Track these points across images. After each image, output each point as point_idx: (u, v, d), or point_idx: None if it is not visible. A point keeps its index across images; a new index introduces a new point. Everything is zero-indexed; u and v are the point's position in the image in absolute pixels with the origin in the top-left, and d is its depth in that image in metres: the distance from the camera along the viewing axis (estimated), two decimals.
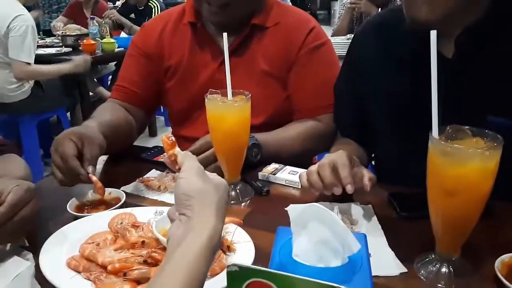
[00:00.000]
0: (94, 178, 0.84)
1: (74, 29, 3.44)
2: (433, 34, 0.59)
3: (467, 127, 0.62)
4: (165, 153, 1.08)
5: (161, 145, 1.21)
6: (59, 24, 3.87)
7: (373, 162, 1.18)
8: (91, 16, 3.67)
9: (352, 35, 1.19)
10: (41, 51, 3.00)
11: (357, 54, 1.05)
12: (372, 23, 1.06)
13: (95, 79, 3.60)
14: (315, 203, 0.58)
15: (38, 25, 3.44)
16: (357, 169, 0.83)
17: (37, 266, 0.64)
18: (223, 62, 1.10)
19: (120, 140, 1.08)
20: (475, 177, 0.58)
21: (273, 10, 1.18)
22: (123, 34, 3.90)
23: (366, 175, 0.81)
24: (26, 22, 2.49)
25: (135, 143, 1.26)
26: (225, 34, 0.86)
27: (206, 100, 0.86)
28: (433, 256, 0.66)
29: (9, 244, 0.70)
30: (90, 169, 0.84)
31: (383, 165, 1.12)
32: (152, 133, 3.92)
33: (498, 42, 0.83)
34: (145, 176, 0.99)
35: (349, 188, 0.78)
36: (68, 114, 3.01)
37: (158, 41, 1.21)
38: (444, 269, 0.64)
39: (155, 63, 1.21)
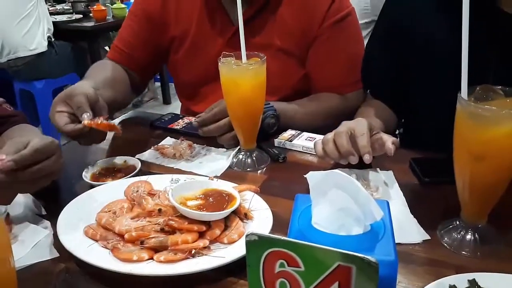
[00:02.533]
0: (89, 122, 0.78)
1: None
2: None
3: (500, 87, 0.58)
4: (180, 120, 1.09)
5: (176, 112, 1.20)
6: None
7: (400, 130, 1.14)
8: None
9: None
10: (52, 18, 2.96)
11: (396, 10, 0.97)
12: None
13: (106, 47, 3.56)
14: (335, 170, 0.55)
15: None
16: (378, 136, 0.80)
17: (55, 235, 0.64)
18: (234, 34, 1.05)
19: (115, 97, 1.01)
20: (505, 141, 0.55)
21: None
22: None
23: (389, 140, 0.78)
24: None
25: (149, 111, 1.24)
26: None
27: (219, 63, 0.83)
28: (457, 222, 0.64)
29: (28, 204, 0.70)
30: (84, 116, 0.78)
31: (412, 129, 1.08)
32: (166, 100, 3.90)
33: None
34: (160, 144, 0.98)
35: (367, 158, 0.74)
36: None
37: (163, 4, 1.11)
38: (469, 236, 0.62)
39: (158, 29, 1.12)
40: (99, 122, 0.79)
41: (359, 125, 0.78)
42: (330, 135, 0.80)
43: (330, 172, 0.54)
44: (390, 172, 0.82)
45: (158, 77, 3.81)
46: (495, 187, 0.59)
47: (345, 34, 1.07)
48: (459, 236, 0.62)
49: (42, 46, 2.65)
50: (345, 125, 0.80)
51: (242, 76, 0.83)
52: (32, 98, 2.77)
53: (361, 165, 0.80)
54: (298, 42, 1.06)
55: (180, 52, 1.14)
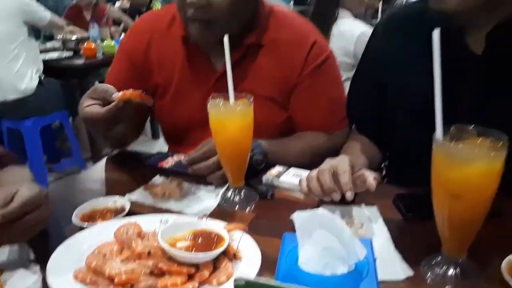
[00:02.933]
0: (121, 95, 0.88)
1: (75, 30, 3.47)
2: (436, 33, 0.59)
3: (472, 126, 0.62)
4: (169, 158, 1.11)
5: (164, 147, 1.22)
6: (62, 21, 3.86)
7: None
8: (91, 19, 3.67)
9: None
10: (42, 55, 3.01)
11: (379, 46, 1.02)
12: (394, 16, 1.03)
13: (97, 83, 3.61)
14: (320, 209, 0.58)
15: (38, 31, 3.44)
16: (360, 172, 0.83)
17: (44, 279, 0.64)
18: (217, 81, 1.08)
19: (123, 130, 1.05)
20: (480, 179, 0.58)
21: (268, 23, 1.09)
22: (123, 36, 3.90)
23: (370, 176, 0.81)
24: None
25: (138, 149, 1.26)
26: (226, 37, 0.84)
27: (208, 105, 0.86)
28: (440, 258, 0.66)
29: (16, 249, 0.70)
30: (115, 94, 0.89)
31: (396, 163, 1.11)
32: (155, 135, 3.92)
33: None
34: (149, 183, 0.99)
35: (349, 195, 0.77)
36: (71, 120, 3.02)
37: (146, 51, 1.13)
38: (450, 272, 0.64)
39: (141, 75, 1.14)
40: (130, 92, 0.88)
41: (341, 163, 0.81)
42: (314, 173, 0.82)
43: (314, 212, 0.56)
44: (375, 208, 0.84)
45: None
46: (472, 223, 0.62)
47: (325, 78, 1.10)
48: (441, 272, 0.64)
49: (32, 87, 2.67)
50: (328, 163, 0.83)
51: (230, 116, 0.86)
52: (20, 135, 2.78)
53: (345, 201, 0.82)
54: (280, 89, 1.08)
55: (164, 99, 1.16)
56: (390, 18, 1.04)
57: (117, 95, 0.88)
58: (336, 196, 0.78)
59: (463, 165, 0.57)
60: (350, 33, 2.03)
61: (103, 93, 0.89)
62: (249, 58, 1.08)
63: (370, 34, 1.07)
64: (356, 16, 2.45)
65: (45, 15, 2.89)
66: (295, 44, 1.08)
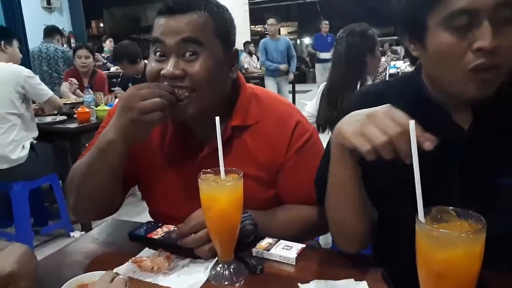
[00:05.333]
0: None
1: (74, 82, 3.60)
2: (412, 123, 0.63)
3: (451, 207, 0.64)
4: (158, 229, 1.11)
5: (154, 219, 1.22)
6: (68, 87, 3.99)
7: None
8: (87, 85, 3.78)
9: None
10: (37, 120, 3.05)
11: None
12: (367, 93, 1.05)
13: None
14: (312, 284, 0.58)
15: None
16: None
17: None
18: (202, 160, 1.08)
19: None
20: (462, 261, 0.60)
21: (251, 106, 1.11)
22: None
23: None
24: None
25: (127, 210, 1.25)
26: (217, 118, 0.87)
27: (199, 180, 0.88)
28: None
29: None
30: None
31: (384, 239, 1.11)
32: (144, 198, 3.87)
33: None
34: (137, 256, 0.98)
35: (428, 144, 0.68)
36: (60, 181, 3.01)
37: None
38: None
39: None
40: None
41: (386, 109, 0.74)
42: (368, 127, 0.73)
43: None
44: (364, 283, 0.85)
45: None
46: None
47: (309, 155, 1.11)
48: None
49: (24, 155, 2.68)
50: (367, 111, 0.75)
51: (221, 192, 0.88)
52: (7, 197, 2.74)
53: (337, 274, 0.82)
54: (266, 169, 1.10)
55: (147, 183, 1.19)
56: (362, 95, 1.06)
57: None
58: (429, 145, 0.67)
59: (445, 248, 0.59)
60: None
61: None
62: (236, 140, 1.10)
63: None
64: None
65: (44, 93, 2.90)
66: (279, 126, 1.10)
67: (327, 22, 9.07)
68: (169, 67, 0.98)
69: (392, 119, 0.70)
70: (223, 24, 1.05)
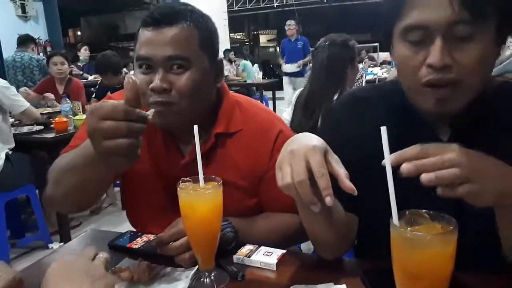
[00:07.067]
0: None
1: (50, 98, 3.51)
2: (384, 130, 0.65)
3: (424, 210, 0.67)
4: (138, 239, 1.10)
5: (134, 229, 1.21)
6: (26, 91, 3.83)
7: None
8: (64, 94, 3.72)
9: None
10: (13, 129, 2.99)
11: (338, 125, 1.03)
12: (354, 96, 1.06)
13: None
14: None
15: None
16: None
17: None
18: (183, 167, 1.08)
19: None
20: (434, 262, 0.62)
21: (234, 114, 1.12)
22: None
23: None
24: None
25: (106, 228, 1.24)
26: (195, 127, 0.88)
27: (178, 189, 0.88)
28: None
29: None
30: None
31: (364, 240, 1.12)
32: (124, 206, 3.83)
33: (493, 120, 0.85)
34: (117, 266, 0.98)
35: (328, 200, 0.72)
36: (37, 192, 2.95)
37: None
38: None
39: None
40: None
41: (315, 155, 0.74)
42: (289, 178, 0.74)
43: None
44: (344, 286, 0.86)
45: (118, 182, 3.78)
46: None
47: None
48: None
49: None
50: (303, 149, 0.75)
51: (200, 199, 0.88)
52: None
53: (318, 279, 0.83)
54: (248, 178, 1.11)
55: (129, 186, 1.19)
56: (348, 98, 1.07)
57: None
58: (316, 209, 0.73)
59: (418, 249, 0.61)
60: None
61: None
62: (219, 148, 1.10)
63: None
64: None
65: (20, 104, 2.87)
66: (261, 134, 1.11)
67: (293, 23, 7.17)
68: (157, 80, 0.99)
69: (306, 163, 0.72)
70: (208, 35, 1.06)
